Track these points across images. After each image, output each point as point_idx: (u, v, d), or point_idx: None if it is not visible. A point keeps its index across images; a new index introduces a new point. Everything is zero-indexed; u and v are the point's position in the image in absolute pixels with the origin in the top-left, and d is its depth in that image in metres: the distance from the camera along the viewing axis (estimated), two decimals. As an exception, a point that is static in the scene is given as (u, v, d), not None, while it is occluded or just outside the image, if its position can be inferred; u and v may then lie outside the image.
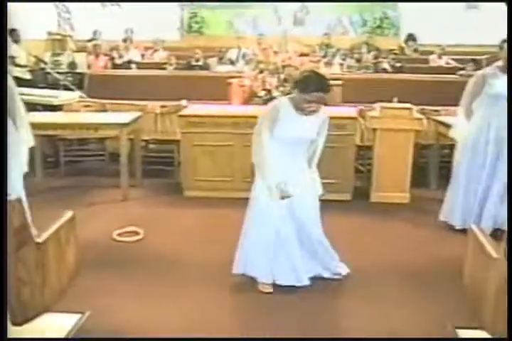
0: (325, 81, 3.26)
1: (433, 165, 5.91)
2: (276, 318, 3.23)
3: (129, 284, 3.59)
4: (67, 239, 3.31)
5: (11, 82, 3.55)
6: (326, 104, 3.27)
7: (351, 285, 3.64)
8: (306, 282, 3.50)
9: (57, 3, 10.48)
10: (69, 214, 3.39)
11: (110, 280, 3.64)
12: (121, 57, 9.30)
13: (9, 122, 3.49)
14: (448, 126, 5.41)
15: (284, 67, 5.86)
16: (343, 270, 3.68)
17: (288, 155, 3.37)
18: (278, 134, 3.33)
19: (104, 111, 6.37)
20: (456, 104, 5.34)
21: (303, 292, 3.50)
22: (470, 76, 5.24)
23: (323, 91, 3.19)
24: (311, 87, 3.18)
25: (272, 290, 3.51)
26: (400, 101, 5.56)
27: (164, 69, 8.95)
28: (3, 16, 3.28)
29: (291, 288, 3.52)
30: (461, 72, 8.22)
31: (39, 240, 2.86)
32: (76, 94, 6.77)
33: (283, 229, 3.43)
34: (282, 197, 3.29)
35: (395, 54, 9.78)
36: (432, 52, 10.34)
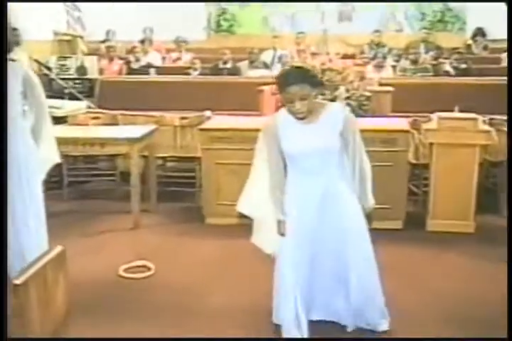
0: (304, 71, 3.05)
1: (504, 186, 5.68)
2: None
3: (131, 332, 3.47)
4: (55, 280, 3.22)
5: (38, 85, 3.69)
6: (303, 99, 2.99)
7: (402, 330, 3.45)
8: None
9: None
10: (58, 248, 3.30)
11: (109, 326, 3.52)
12: (138, 60, 9.34)
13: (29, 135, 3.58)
14: (523, 139, 5.23)
15: (323, 71, 5.74)
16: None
17: (310, 174, 3.20)
18: (287, 151, 3.18)
19: (115, 124, 6.35)
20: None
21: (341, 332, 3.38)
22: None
23: (302, 82, 2.99)
24: (287, 80, 3.01)
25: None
26: (463, 111, 5.38)
27: (188, 74, 8.96)
28: (3, 16, 3.38)
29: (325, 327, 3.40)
30: (541, 73, 7.95)
31: (17, 281, 2.77)
32: (83, 104, 6.79)
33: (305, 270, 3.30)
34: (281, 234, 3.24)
35: (460, 53, 9.53)
36: (505, 50, 10.08)
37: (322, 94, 5.47)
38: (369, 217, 3.34)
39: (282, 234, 3.24)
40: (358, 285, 3.30)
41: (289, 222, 3.24)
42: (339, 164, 3.23)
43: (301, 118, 3.10)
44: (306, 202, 3.22)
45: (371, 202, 3.34)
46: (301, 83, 2.99)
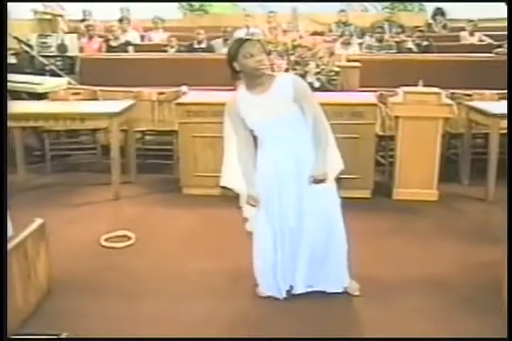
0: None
1: (464, 157, 5.62)
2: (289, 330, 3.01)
3: (114, 302, 3.32)
4: (37, 252, 3.05)
5: None
6: (262, 51, 2.91)
7: (371, 295, 3.36)
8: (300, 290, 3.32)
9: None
10: (38, 221, 3.12)
11: (91, 298, 3.37)
12: (116, 38, 9.04)
13: None
14: (482, 112, 5.14)
15: (294, 47, 5.57)
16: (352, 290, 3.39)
17: (280, 142, 3.06)
18: (250, 125, 3.06)
19: (95, 99, 6.14)
20: (492, 87, 5.01)
21: (318, 300, 3.28)
22: (508, 55, 4.94)
23: (254, 41, 2.97)
24: (240, 40, 3.00)
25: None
26: (426, 85, 5.28)
27: (165, 51, 8.72)
28: (3, 16, 3.33)
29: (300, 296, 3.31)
30: (498, 49, 7.88)
31: (-3, 255, 2.60)
32: (64, 81, 6.53)
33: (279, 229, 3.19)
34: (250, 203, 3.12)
35: (421, 31, 9.41)
36: (463, 29, 9.97)
37: (294, 69, 5.33)
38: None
39: (253, 205, 3.12)
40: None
41: (262, 192, 3.11)
42: (307, 129, 3.08)
43: (262, 74, 2.93)
44: (281, 168, 3.08)
45: (336, 166, 3.18)
46: (254, 41, 2.96)
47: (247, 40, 2.97)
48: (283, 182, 3.10)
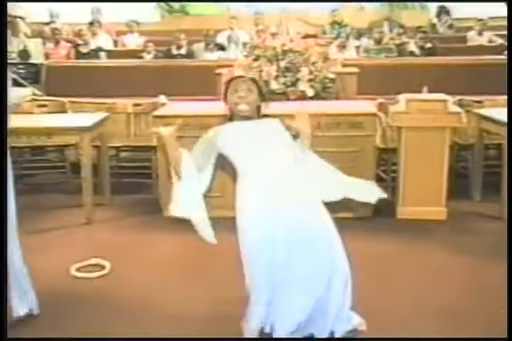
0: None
1: (475, 170, 5.67)
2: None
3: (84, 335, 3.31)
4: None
5: None
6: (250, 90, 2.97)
7: (376, 330, 3.31)
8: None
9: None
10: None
11: (58, 335, 3.34)
12: (86, 44, 9.11)
13: None
14: (494, 120, 5.20)
15: (284, 52, 5.63)
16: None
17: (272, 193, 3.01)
18: (232, 154, 3.06)
19: (64, 112, 6.17)
20: (504, 92, 5.06)
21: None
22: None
23: (248, 79, 3.03)
24: (232, 78, 3.05)
25: None
26: (431, 92, 5.37)
27: (141, 58, 8.79)
28: (3, 16, 3.46)
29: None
30: (511, 51, 7.99)
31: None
32: (28, 91, 6.56)
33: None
34: None
35: (424, 32, 9.54)
36: (470, 28, 10.10)
37: (284, 77, 5.39)
38: None
39: None
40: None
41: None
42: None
43: (242, 115, 2.99)
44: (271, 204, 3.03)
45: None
46: (245, 78, 3.02)
47: (239, 76, 3.03)
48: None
